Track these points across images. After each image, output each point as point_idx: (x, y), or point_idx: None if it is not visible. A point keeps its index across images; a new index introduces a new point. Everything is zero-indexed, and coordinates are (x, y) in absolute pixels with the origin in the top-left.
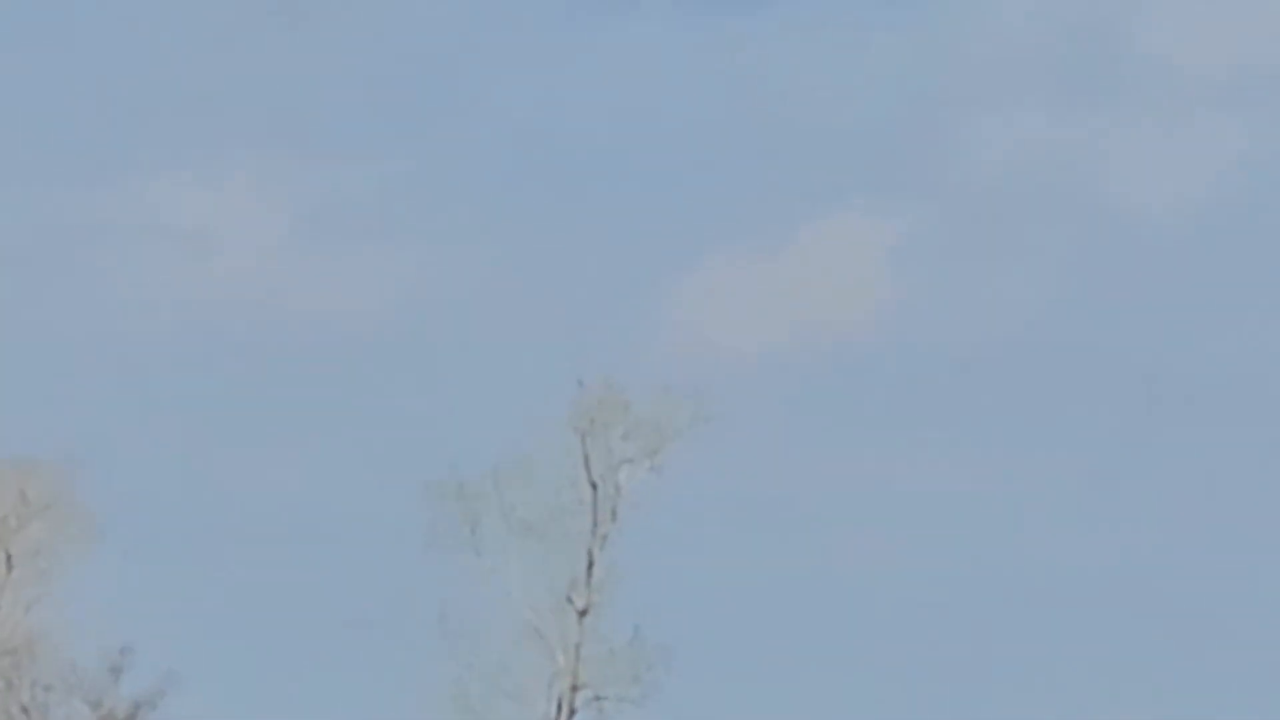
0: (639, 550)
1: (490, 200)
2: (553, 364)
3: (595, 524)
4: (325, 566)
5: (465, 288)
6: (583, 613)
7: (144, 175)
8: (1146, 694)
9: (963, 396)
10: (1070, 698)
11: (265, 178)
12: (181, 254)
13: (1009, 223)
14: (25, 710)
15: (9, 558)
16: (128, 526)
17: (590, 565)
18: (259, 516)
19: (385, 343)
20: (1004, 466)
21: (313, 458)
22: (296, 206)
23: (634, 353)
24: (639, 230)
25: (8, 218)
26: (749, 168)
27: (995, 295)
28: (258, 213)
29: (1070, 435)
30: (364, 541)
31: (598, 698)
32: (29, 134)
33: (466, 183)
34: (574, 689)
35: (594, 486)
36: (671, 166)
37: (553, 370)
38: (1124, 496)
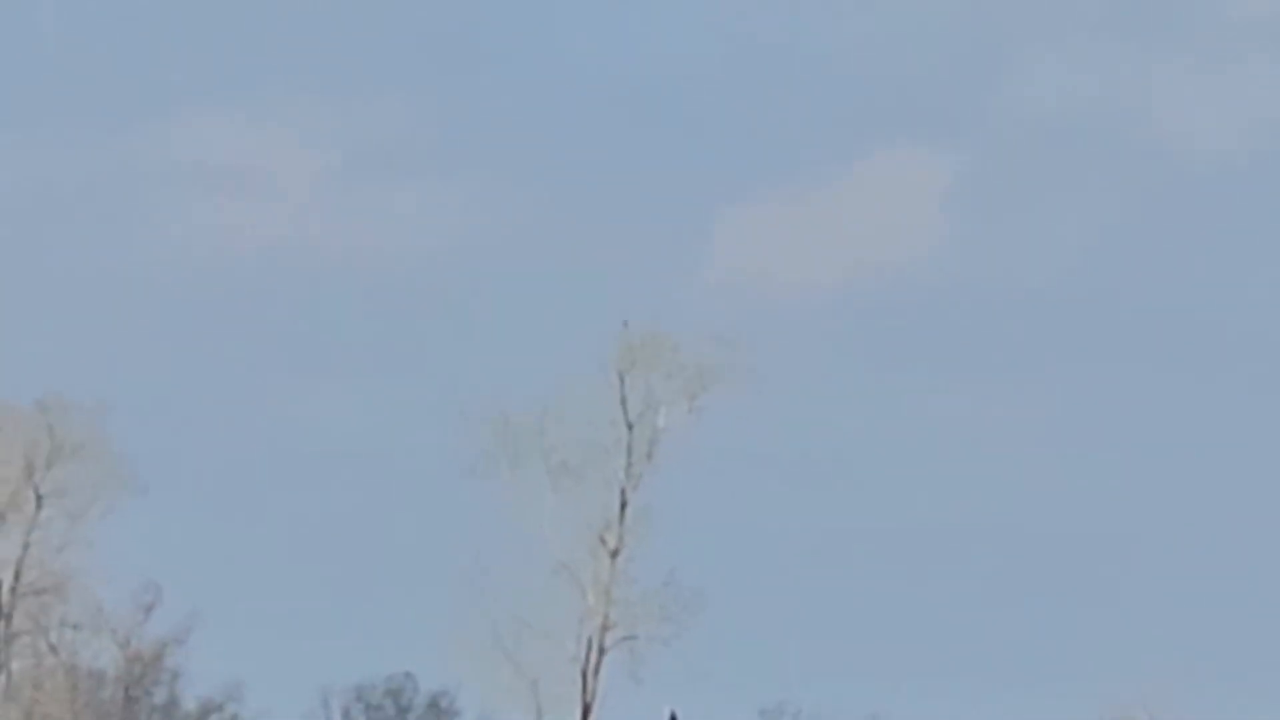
0: (674, 492)
1: (540, 138)
2: (598, 303)
3: (630, 464)
4: (358, 505)
5: (512, 225)
6: (614, 553)
7: (190, 114)
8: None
9: (1011, 336)
10: (1117, 639)
11: (311, 115)
12: (226, 193)
13: (1059, 162)
14: (54, 649)
15: (39, 498)
16: (159, 467)
17: (624, 506)
18: (292, 456)
19: (430, 280)
20: (1052, 407)
21: (351, 395)
22: (343, 144)
23: (681, 292)
24: (689, 168)
25: (53, 158)
26: (801, 106)
27: (1045, 234)
28: (303, 151)
29: (1121, 374)
30: (399, 478)
31: (628, 637)
32: (76, 76)
33: (517, 121)
34: (605, 628)
35: (630, 427)
36: (723, 105)
37: (598, 309)
38: (1172, 435)
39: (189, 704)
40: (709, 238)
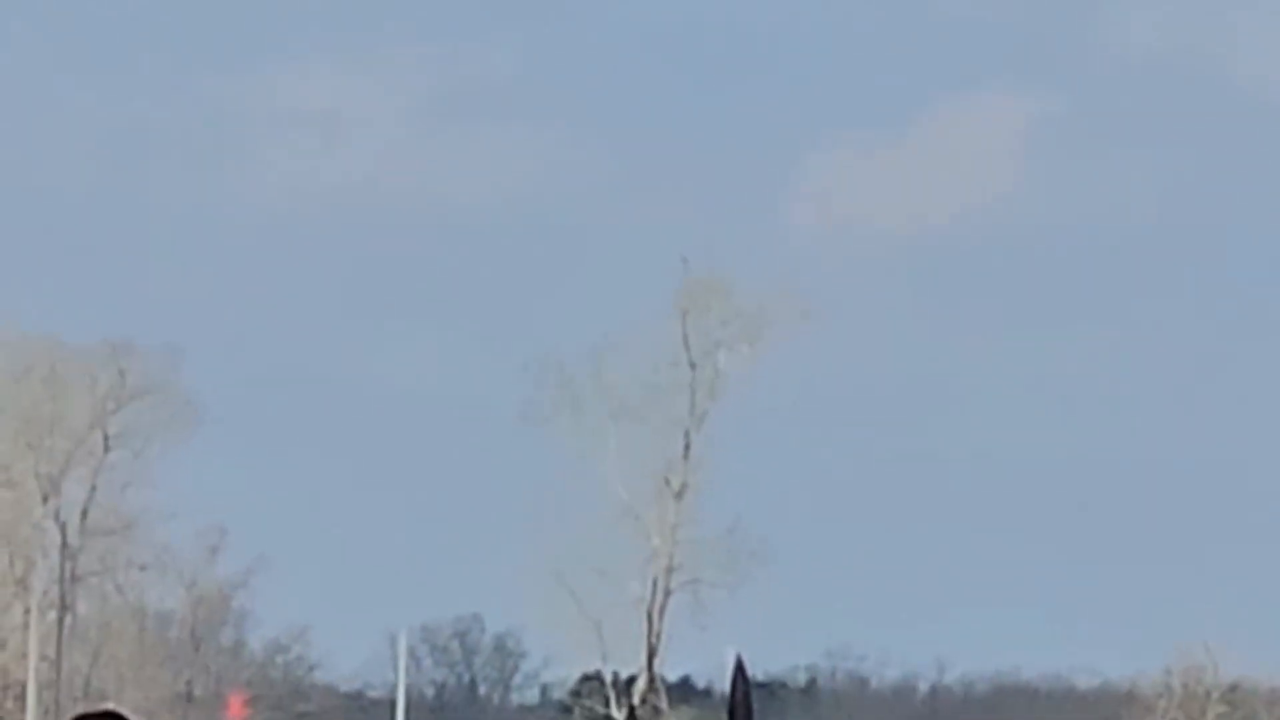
0: (738, 434)
1: (621, 84)
2: (669, 246)
3: (694, 404)
4: (424, 448)
5: (590, 171)
6: (679, 494)
7: (279, 58)
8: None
9: (1085, 282)
10: (1184, 583)
11: (397, 60)
12: (312, 136)
13: (1142, 109)
14: (120, 589)
15: (106, 439)
16: (227, 410)
17: (687, 446)
18: (359, 399)
19: (505, 225)
20: (1124, 353)
21: (420, 339)
22: (427, 88)
23: (760, 237)
24: (770, 113)
25: (142, 102)
26: (882, 50)
27: (1124, 181)
28: (388, 95)
29: (1194, 322)
30: (463, 421)
31: (693, 581)
32: (166, 21)
33: (599, 67)
34: (669, 570)
35: (693, 367)
36: (802, 49)
37: (667, 252)
38: (1247, 383)
39: (255, 646)
40: (789, 183)
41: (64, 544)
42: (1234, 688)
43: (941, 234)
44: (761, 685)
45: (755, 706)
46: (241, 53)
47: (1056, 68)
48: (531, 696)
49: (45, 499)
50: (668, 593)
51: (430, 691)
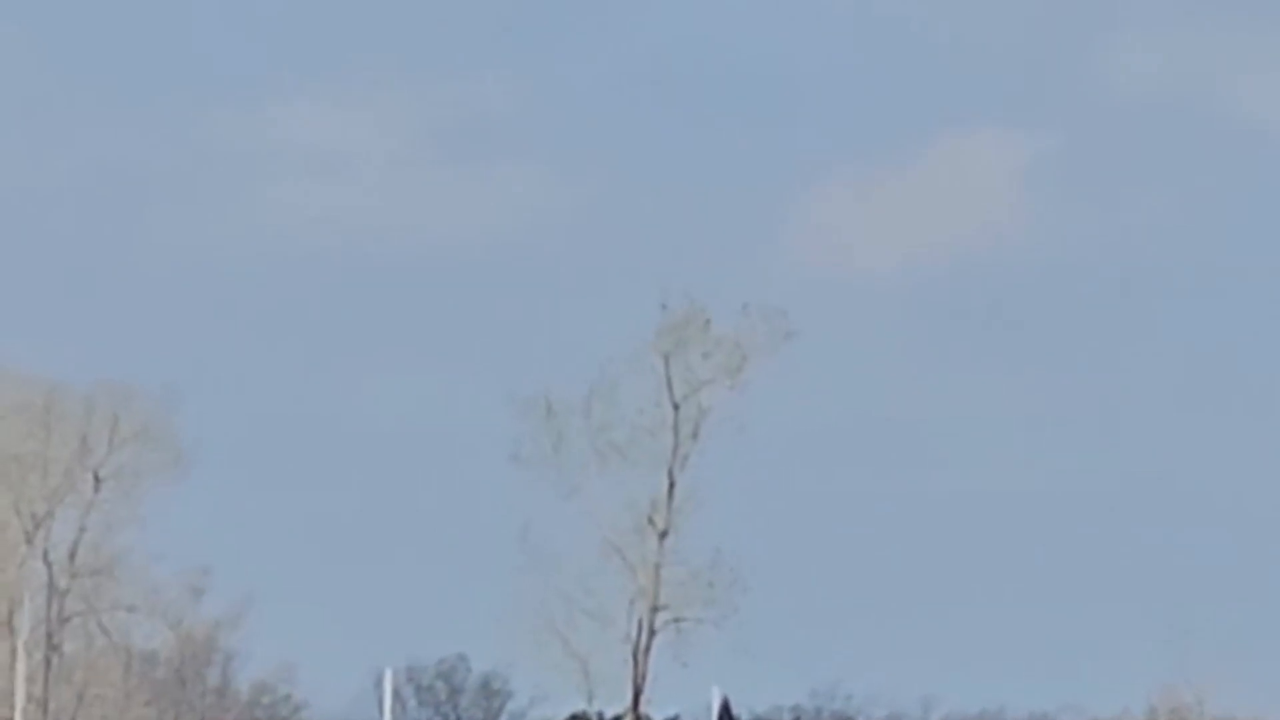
0: (721, 472)
1: (611, 122)
2: (658, 283)
3: (677, 444)
4: (409, 489)
5: (581, 208)
6: (663, 534)
7: (275, 97)
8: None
9: (1074, 322)
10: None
11: (385, 100)
12: (305, 175)
13: (1141, 146)
14: (105, 630)
15: (97, 481)
16: (217, 451)
17: (671, 486)
18: (344, 439)
19: (491, 262)
20: (1119, 392)
21: (406, 379)
22: (416, 128)
23: (745, 269)
24: (765, 150)
25: (133, 142)
26: (879, 85)
27: (1122, 219)
28: (374, 135)
29: (1185, 361)
30: (450, 462)
31: (677, 619)
32: (158, 61)
33: (591, 104)
34: (654, 610)
35: (676, 407)
36: (801, 82)
37: (656, 289)
38: (1240, 420)
39: (241, 685)
40: (783, 219)
41: (51, 583)
42: None
43: (935, 270)
44: None
45: None
46: (240, 93)
47: (1055, 105)
48: None
49: (29, 539)
50: (653, 632)
51: None
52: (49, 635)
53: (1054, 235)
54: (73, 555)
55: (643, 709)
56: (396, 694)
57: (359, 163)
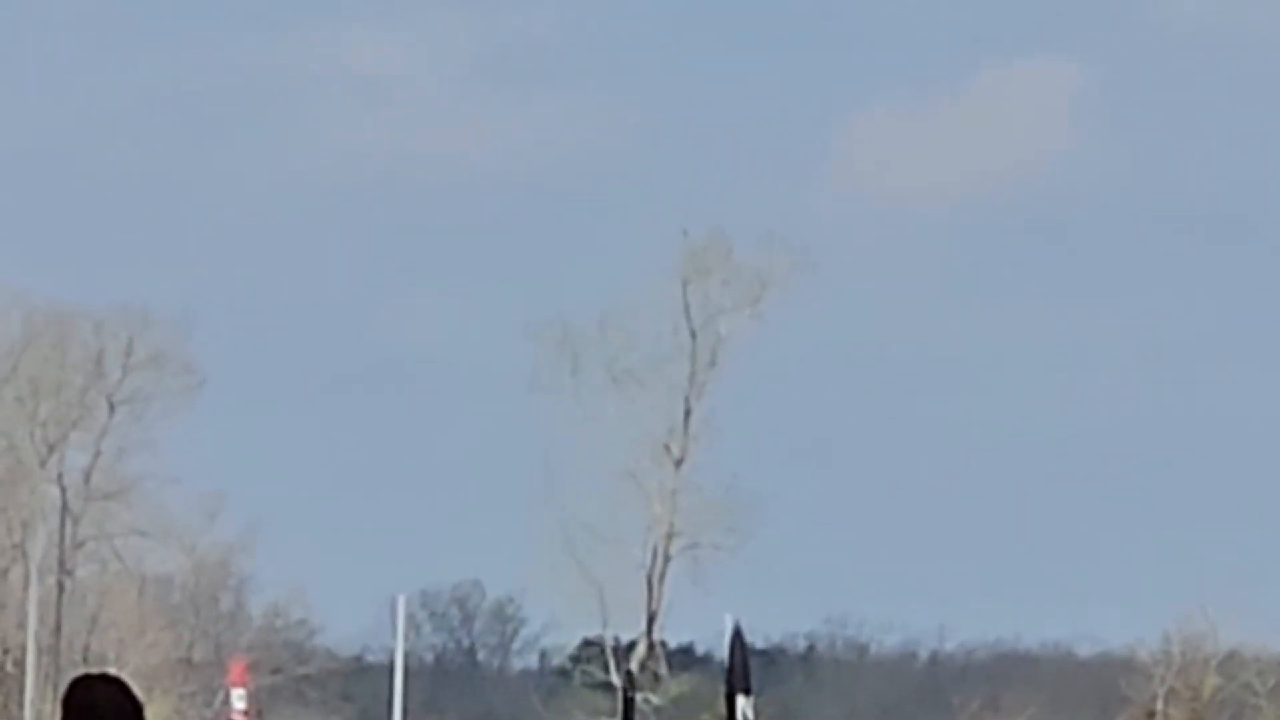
0: (738, 401)
1: (654, 47)
2: (687, 210)
3: (694, 372)
4: (425, 413)
5: (613, 134)
6: (679, 461)
7: (323, 21)
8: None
9: (1109, 255)
10: (1182, 546)
11: (430, 24)
12: (336, 103)
13: (1193, 79)
14: (119, 555)
15: (111, 405)
16: (231, 374)
17: (688, 414)
18: (360, 364)
19: (523, 190)
20: (1155, 325)
21: (423, 304)
22: (459, 54)
23: (776, 197)
24: (808, 76)
25: (163, 67)
26: (927, 9)
27: (1171, 151)
28: (418, 60)
29: (1219, 297)
30: (466, 386)
31: (692, 545)
32: None
33: (634, 31)
34: (669, 536)
35: (693, 335)
36: (847, 10)
37: (682, 217)
38: (1270, 356)
39: (255, 611)
40: (820, 147)
41: (64, 508)
42: (1231, 656)
43: (971, 200)
44: (761, 652)
45: (753, 672)
46: (278, 14)
47: (1107, 33)
48: (531, 662)
49: (42, 464)
50: (668, 558)
51: (429, 656)
52: (61, 560)
53: (1097, 166)
54: (87, 480)
55: (656, 635)
56: (410, 618)
57: (401, 90)
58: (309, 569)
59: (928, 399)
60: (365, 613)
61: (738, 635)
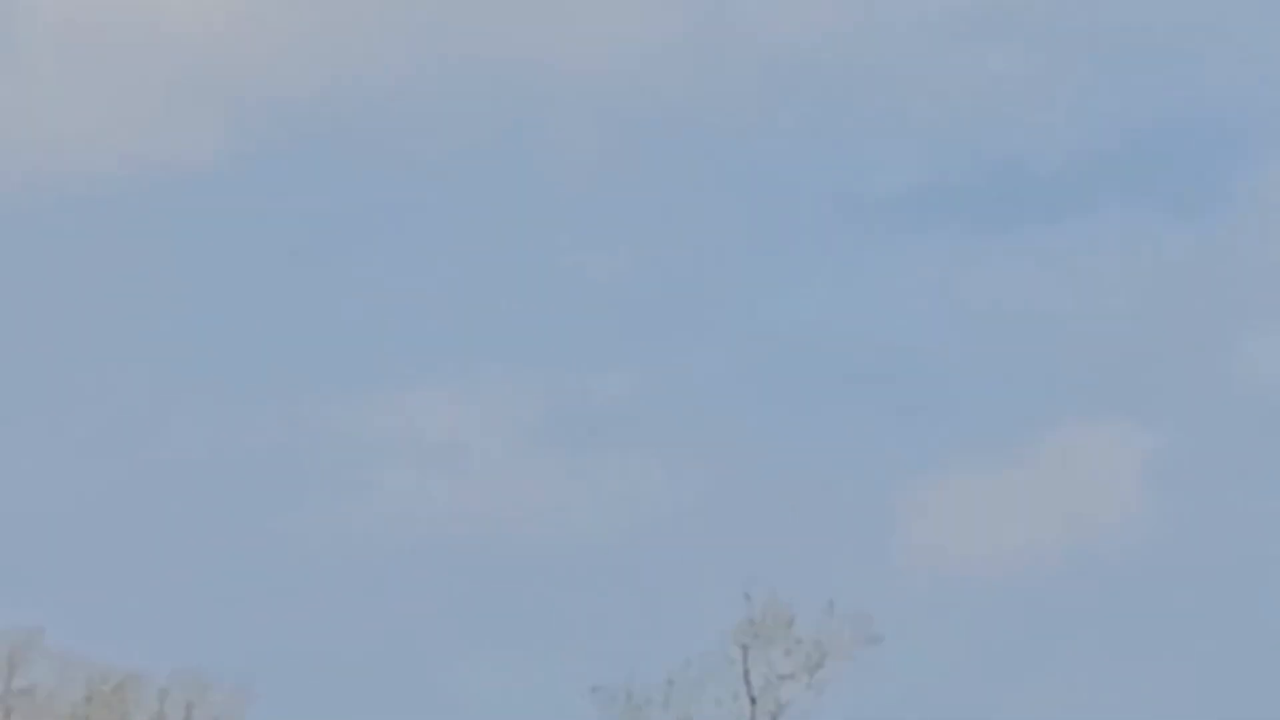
0: None
1: (726, 410)
2: (749, 574)
3: None
4: None
5: (681, 498)
6: None
7: (397, 388)
8: None
9: (1183, 626)
10: None
11: (501, 388)
12: (414, 467)
13: (1270, 445)
14: None
15: None
16: None
17: None
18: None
19: (581, 555)
20: (1219, 698)
21: (487, 665)
22: (527, 418)
23: (842, 562)
24: (877, 442)
25: (258, 430)
26: (999, 376)
27: (1246, 521)
28: (488, 424)
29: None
30: None
31: None
32: (287, 347)
33: (707, 392)
34: None
35: (753, 700)
36: (918, 377)
37: (742, 582)
38: None
39: None
40: (892, 513)
41: None
42: None
43: (1037, 572)
44: None
45: None
46: (345, 377)
47: (1181, 397)
48: None
49: None
50: None
51: None
52: None
53: (1165, 534)
54: None
55: None
56: None
57: (471, 454)
58: None
59: None
60: None
61: None
